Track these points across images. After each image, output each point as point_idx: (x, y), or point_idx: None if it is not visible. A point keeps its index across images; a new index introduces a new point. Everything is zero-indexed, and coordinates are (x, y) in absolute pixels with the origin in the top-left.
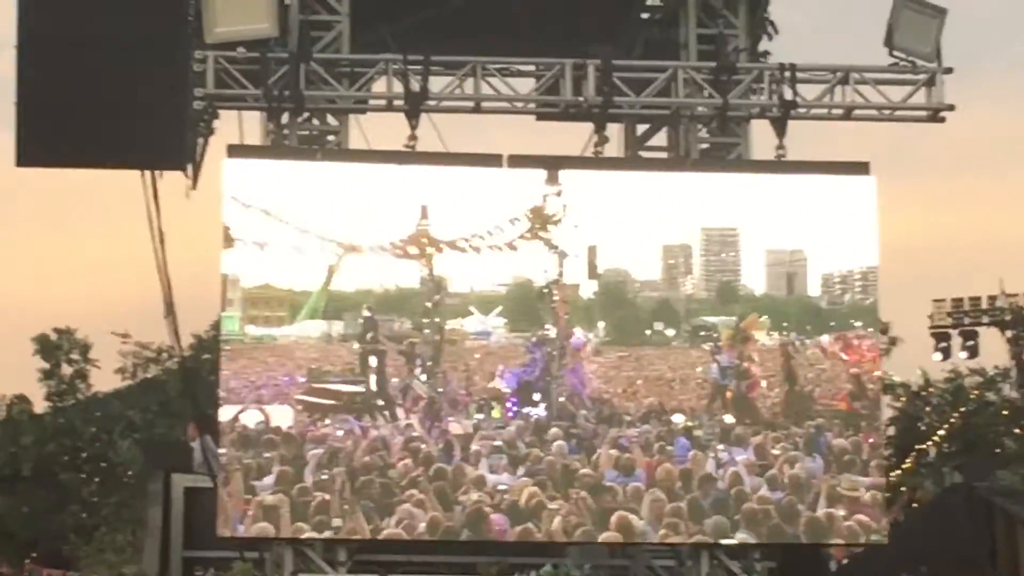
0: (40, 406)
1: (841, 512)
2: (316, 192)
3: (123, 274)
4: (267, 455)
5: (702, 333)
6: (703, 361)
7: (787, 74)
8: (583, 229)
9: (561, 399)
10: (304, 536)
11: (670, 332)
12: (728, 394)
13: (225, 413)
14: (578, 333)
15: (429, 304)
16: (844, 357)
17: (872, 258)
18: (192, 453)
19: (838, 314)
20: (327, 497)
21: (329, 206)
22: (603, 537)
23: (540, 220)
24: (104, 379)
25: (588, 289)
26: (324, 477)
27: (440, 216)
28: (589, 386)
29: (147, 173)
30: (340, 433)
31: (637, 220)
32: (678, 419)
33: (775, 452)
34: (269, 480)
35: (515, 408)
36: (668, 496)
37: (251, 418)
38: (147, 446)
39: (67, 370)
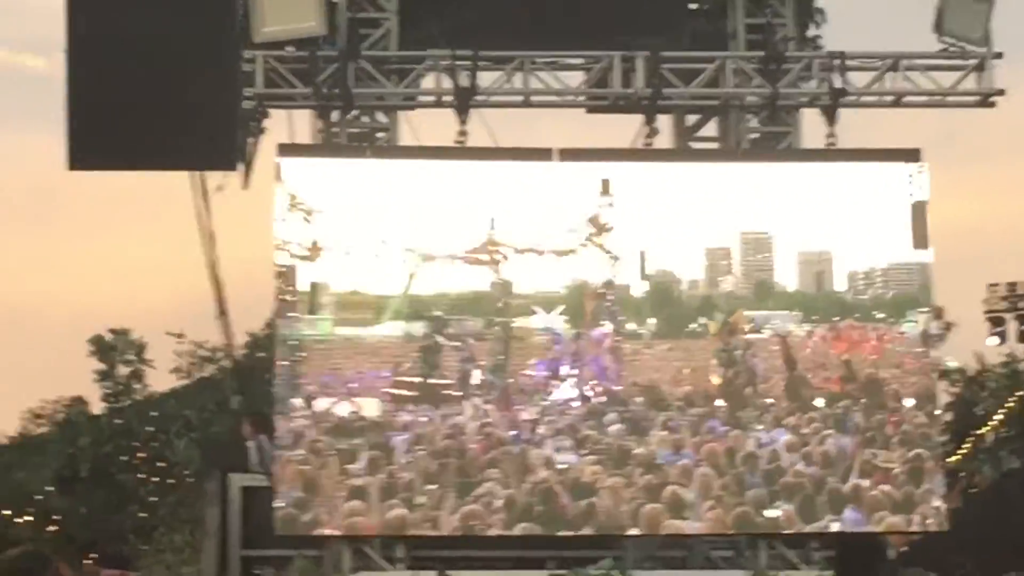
0: (97, 407)
1: (866, 483)
2: (390, 201)
3: (176, 275)
4: (357, 442)
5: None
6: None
7: (836, 62)
8: (634, 236)
9: (617, 388)
10: (391, 515)
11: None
12: (717, 381)
13: (319, 405)
14: (599, 327)
15: (500, 304)
16: (833, 345)
17: (897, 254)
18: (248, 452)
19: (862, 307)
20: (412, 477)
21: (404, 216)
22: (648, 509)
23: (596, 228)
24: (160, 379)
25: (639, 289)
26: (409, 460)
27: (506, 226)
28: (607, 374)
29: (196, 174)
30: (424, 420)
31: (682, 225)
32: (720, 403)
33: (806, 431)
34: (361, 464)
35: (560, 393)
36: (715, 472)
37: (343, 409)
38: (204, 445)
39: (123, 371)
